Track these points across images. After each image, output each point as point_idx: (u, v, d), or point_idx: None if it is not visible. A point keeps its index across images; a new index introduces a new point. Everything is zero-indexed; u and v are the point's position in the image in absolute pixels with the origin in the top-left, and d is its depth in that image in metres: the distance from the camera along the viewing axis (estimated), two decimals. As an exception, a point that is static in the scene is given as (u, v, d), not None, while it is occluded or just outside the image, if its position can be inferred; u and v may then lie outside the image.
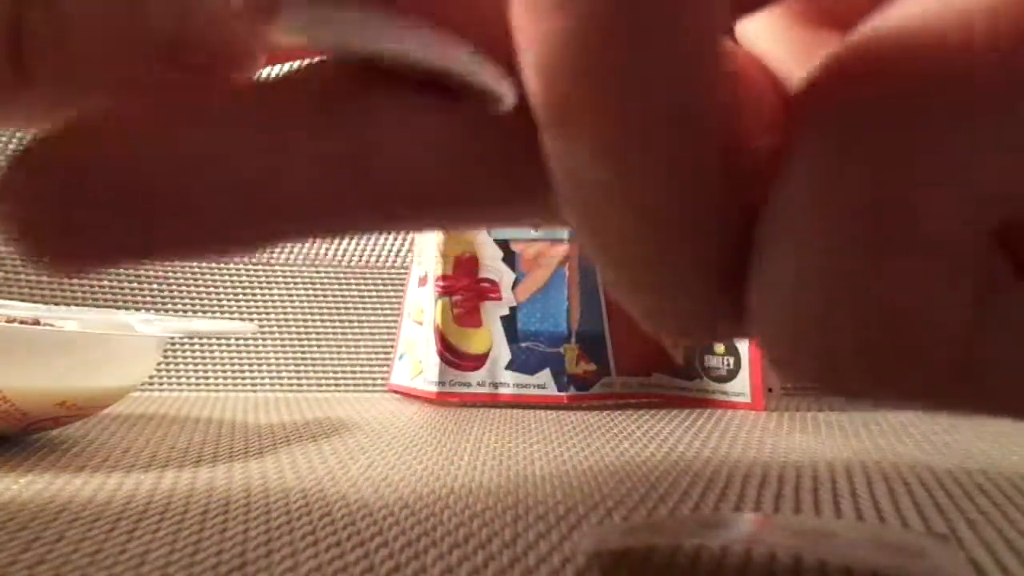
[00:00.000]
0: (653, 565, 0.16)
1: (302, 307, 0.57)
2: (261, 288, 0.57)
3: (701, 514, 0.20)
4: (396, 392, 0.51)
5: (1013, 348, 0.09)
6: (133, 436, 0.30)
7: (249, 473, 0.24)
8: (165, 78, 0.13)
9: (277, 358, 0.55)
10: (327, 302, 0.58)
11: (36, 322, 0.31)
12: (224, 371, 0.53)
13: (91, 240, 0.10)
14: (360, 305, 0.58)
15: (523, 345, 0.45)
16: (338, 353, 0.56)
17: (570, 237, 0.46)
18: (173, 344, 0.53)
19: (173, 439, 0.30)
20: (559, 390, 0.45)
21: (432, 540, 0.17)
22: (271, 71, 0.13)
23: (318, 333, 0.56)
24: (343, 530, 0.18)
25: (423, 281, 0.49)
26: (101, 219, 0.10)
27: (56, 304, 0.51)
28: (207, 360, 0.53)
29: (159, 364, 0.51)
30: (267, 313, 0.56)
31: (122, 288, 0.54)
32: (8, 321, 0.30)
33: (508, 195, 0.11)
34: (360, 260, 0.59)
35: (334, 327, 0.57)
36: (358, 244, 0.60)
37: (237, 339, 0.54)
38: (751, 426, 0.37)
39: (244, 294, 0.56)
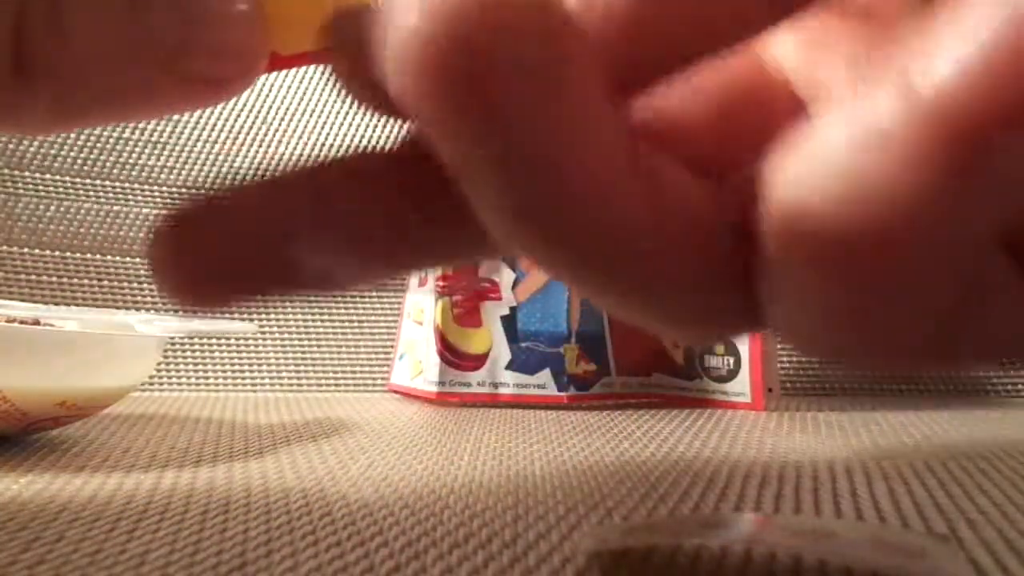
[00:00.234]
0: (653, 565, 0.16)
1: (302, 307, 0.57)
2: (261, 288, 0.57)
3: (701, 514, 0.20)
4: (396, 392, 0.51)
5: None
6: (133, 436, 0.30)
7: (249, 473, 0.24)
8: (167, 83, 0.13)
9: (277, 358, 0.55)
10: (327, 302, 0.57)
11: (36, 322, 0.31)
12: (224, 371, 0.53)
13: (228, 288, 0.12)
14: (360, 305, 0.58)
15: (523, 345, 0.45)
16: (338, 353, 0.56)
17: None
18: (173, 344, 0.53)
19: (173, 439, 0.30)
20: (559, 390, 0.45)
21: (432, 540, 0.17)
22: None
23: (318, 333, 0.56)
24: (343, 530, 0.18)
25: (423, 281, 0.49)
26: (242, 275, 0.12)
27: (56, 304, 0.51)
28: (207, 360, 0.53)
29: (159, 364, 0.51)
30: (267, 313, 0.56)
31: (122, 288, 0.54)
32: (8, 321, 0.30)
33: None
34: (360, 260, 0.59)
35: (334, 327, 0.57)
36: (358, 244, 0.60)
37: (237, 339, 0.54)
38: (751, 426, 0.37)
39: (244, 294, 0.56)
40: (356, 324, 0.57)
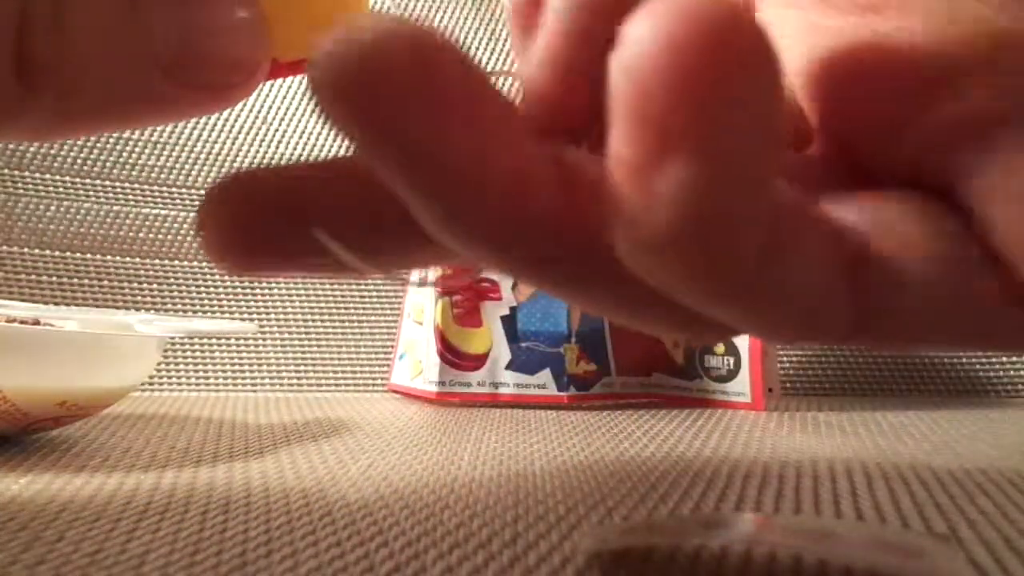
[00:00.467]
0: (653, 565, 0.16)
1: (302, 307, 0.57)
2: (261, 288, 0.57)
3: (701, 514, 0.20)
4: (396, 392, 0.51)
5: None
6: (133, 436, 0.30)
7: (249, 473, 0.24)
8: (168, 91, 0.13)
9: (277, 358, 0.55)
10: (327, 302, 0.58)
11: (36, 322, 0.31)
12: (224, 371, 0.53)
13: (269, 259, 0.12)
14: (360, 305, 0.58)
15: (523, 345, 0.45)
16: (338, 353, 0.56)
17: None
18: (173, 344, 0.53)
19: (173, 439, 0.30)
20: (559, 390, 0.45)
21: (432, 540, 0.17)
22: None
23: (318, 333, 0.56)
24: (343, 530, 0.18)
25: (423, 281, 0.49)
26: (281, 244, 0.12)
27: (56, 304, 0.51)
28: (207, 360, 0.53)
29: (159, 364, 0.51)
30: (267, 313, 0.56)
31: (122, 288, 0.54)
32: (8, 321, 0.30)
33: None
34: (360, 260, 0.59)
35: (334, 327, 0.57)
36: (358, 244, 0.60)
37: (237, 339, 0.54)
38: (751, 426, 0.37)
39: (244, 294, 0.56)
40: (356, 324, 0.57)
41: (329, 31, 0.09)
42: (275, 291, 0.57)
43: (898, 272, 0.11)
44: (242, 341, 0.54)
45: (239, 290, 0.56)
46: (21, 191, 0.54)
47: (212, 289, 0.56)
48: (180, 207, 0.58)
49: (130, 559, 0.15)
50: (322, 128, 0.62)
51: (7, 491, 0.21)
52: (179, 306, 0.55)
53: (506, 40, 0.68)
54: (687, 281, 0.10)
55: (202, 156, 0.60)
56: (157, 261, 0.56)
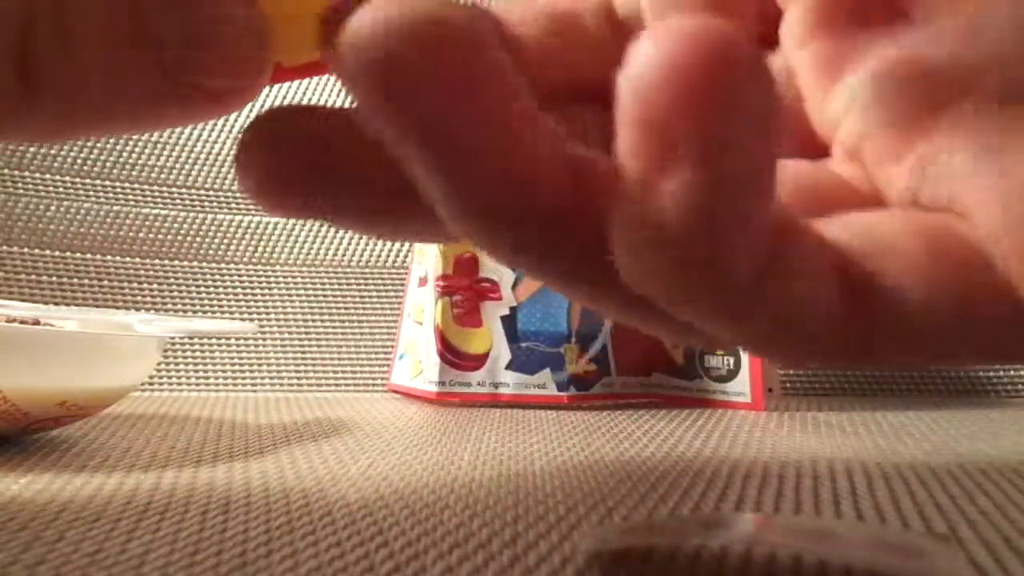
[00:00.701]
0: (653, 565, 0.16)
1: (302, 307, 0.57)
2: (261, 288, 0.57)
3: (701, 514, 0.20)
4: (396, 392, 0.51)
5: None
6: (133, 436, 0.30)
7: (249, 473, 0.24)
8: (170, 96, 0.13)
9: (277, 358, 0.55)
10: (327, 302, 0.58)
11: (36, 322, 0.31)
12: (224, 371, 0.53)
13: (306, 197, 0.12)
14: (360, 305, 0.58)
15: (523, 345, 0.45)
16: (338, 353, 0.56)
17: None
18: (173, 344, 0.53)
19: (173, 439, 0.30)
20: (559, 390, 0.45)
21: (432, 540, 0.17)
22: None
23: (318, 333, 0.56)
24: (343, 530, 0.18)
25: (423, 281, 0.49)
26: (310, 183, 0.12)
27: (56, 304, 0.51)
28: (207, 360, 0.53)
29: (159, 364, 0.51)
30: (267, 313, 0.56)
31: (122, 288, 0.54)
32: (8, 321, 0.30)
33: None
34: (360, 260, 0.59)
35: (334, 327, 0.57)
36: (358, 244, 0.60)
37: (237, 339, 0.54)
38: (751, 426, 0.37)
39: (244, 294, 0.56)
40: (356, 324, 0.57)
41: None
42: (275, 291, 0.57)
43: (901, 298, 0.11)
44: (242, 341, 0.54)
45: (239, 290, 0.56)
46: (21, 191, 0.55)
47: (212, 289, 0.56)
48: (180, 207, 0.58)
49: (130, 559, 0.15)
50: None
51: (7, 491, 0.21)
52: (179, 306, 0.55)
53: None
54: (686, 294, 0.10)
55: (202, 156, 0.60)
56: (157, 261, 0.56)
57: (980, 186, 0.11)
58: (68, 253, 0.54)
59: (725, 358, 0.46)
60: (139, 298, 0.54)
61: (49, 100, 0.12)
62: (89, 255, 0.54)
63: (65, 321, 0.33)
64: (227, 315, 0.55)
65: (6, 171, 0.55)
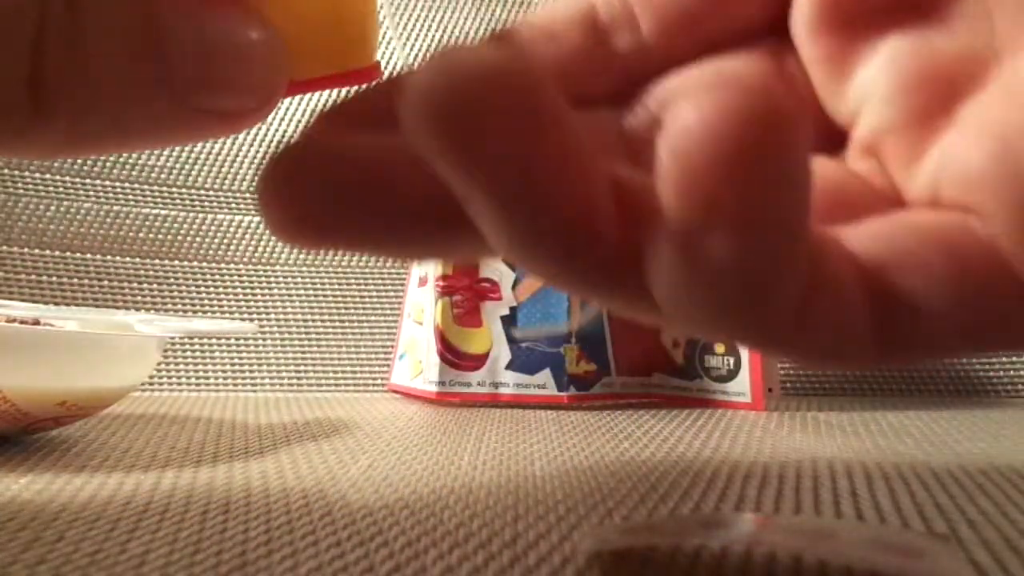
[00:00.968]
0: (653, 565, 0.16)
1: (302, 307, 0.57)
2: (261, 288, 0.57)
3: (701, 514, 0.20)
4: (396, 392, 0.51)
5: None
6: (133, 436, 0.30)
7: (249, 473, 0.24)
8: (181, 117, 0.13)
9: (277, 358, 0.55)
10: (327, 302, 0.58)
11: (36, 322, 0.31)
12: (224, 371, 0.53)
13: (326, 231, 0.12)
14: (360, 305, 0.58)
15: (523, 345, 0.45)
16: (338, 353, 0.56)
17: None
18: (173, 344, 0.53)
19: (173, 439, 0.30)
20: (559, 390, 0.45)
21: (432, 540, 0.17)
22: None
23: (318, 333, 0.56)
24: (343, 530, 0.18)
25: (423, 281, 0.49)
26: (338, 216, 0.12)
27: (56, 304, 0.51)
28: (207, 360, 0.53)
29: (159, 364, 0.51)
30: (267, 313, 0.56)
31: (122, 288, 0.54)
32: (8, 321, 0.30)
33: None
34: (360, 260, 0.59)
35: (334, 327, 0.57)
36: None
37: (237, 339, 0.54)
38: (751, 426, 0.37)
39: (244, 294, 0.56)
40: (356, 324, 0.57)
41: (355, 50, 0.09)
42: (275, 291, 0.57)
43: (921, 302, 0.11)
44: (242, 341, 0.54)
45: (239, 290, 0.56)
46: (21, 191, 0.55)
47: (212, 289, 0.56)
48: (180, 207, 0.58)
49: (130, 559, 0.16)
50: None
51: (7, 491, 0.21)
52: (179, 306, 0.55)
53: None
54: (727, 330, 0.11)
55: (202, 156, 0.60)
56: (157, 261, 0.56)
57: (996, 187, 0.11)
58: (68, 253, 0.54)
59: (725, 358, 0.46)
60: (139, 298, 0.54)
61: (60, 119, 0.12)
62: (89, 255, 0.54)
63: (65, 321, 0.33)
64: (227, 315, 0.55)
65: (6, 171, 0.55)
